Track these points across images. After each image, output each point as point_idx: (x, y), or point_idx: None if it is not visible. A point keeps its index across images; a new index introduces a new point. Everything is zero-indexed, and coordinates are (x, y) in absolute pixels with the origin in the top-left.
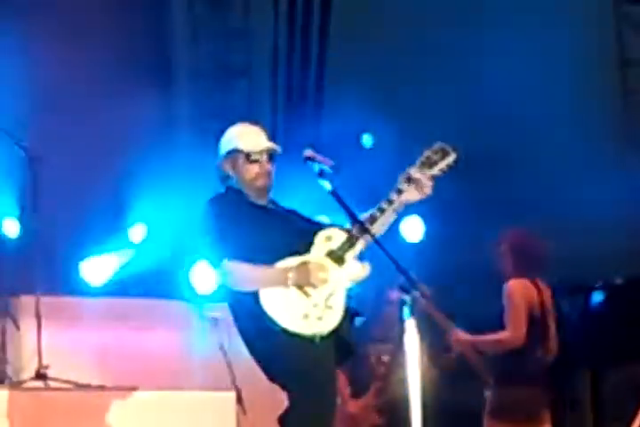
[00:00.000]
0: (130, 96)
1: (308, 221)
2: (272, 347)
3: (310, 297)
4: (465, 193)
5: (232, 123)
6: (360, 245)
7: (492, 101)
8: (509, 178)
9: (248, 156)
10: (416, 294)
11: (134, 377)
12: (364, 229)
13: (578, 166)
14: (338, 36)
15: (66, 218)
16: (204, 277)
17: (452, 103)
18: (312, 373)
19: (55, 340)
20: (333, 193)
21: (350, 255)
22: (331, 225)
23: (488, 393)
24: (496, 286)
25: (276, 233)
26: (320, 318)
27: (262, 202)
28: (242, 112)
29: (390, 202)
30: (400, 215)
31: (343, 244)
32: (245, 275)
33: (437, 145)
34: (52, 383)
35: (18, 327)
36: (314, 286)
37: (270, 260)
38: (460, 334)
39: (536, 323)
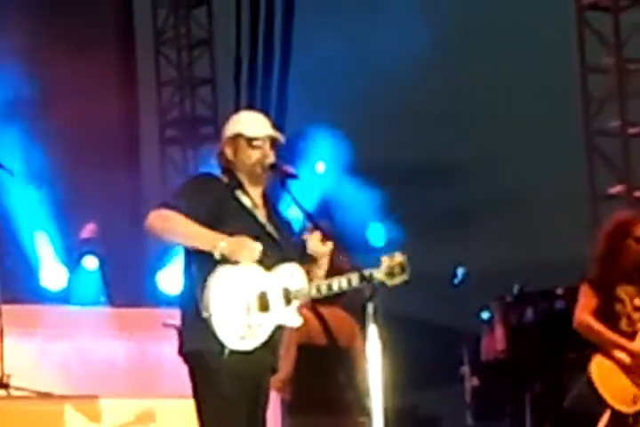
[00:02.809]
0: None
1: (293, 240)
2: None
3: (249, 317)
4: (426, 201)
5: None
6: (306, 298)
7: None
8: (468, 185)
9: (250, 141)
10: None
11: (96, 385)
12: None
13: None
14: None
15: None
16: (173, 281)
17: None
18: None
19: (17, 349)
20: (294, 201)
21: (296, 302)
22: (302, 261)
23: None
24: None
25: (239, 230)
26: (243, 338)
27: (255, 192)
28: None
29: (349, 282)
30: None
31: (300, 290)
32: (178, 223)
33: (397, 257)
34: (14, 392)
35: None
36: (237, 262)
37: None
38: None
39: None
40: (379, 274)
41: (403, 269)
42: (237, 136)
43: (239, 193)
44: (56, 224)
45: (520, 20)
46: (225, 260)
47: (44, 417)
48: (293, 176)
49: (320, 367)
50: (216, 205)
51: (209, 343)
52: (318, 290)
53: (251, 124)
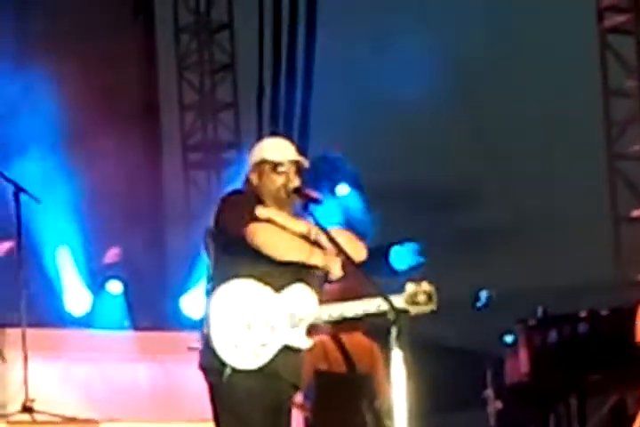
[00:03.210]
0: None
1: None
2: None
3: (251, 336)
4: (447, 224)
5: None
6: (315, 321)
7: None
8: (490, 209)
9: (275, 166)
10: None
11: (121, 410)
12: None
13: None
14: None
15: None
16: (196, 304)
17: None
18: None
19: (42, 373)
20: (318, 224)
21: (305, 325)
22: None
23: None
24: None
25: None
26: (245, 357)
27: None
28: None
29: (364, 304)
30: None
31: (309, 313)
32: (274, 235)
33: (424, 286)
34: (38, 417)
35: (4, 360)
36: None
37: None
38: None
39: None
40: (400, 301)
41: (430, 299)
42: (262, 162)
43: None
44: (80, 249)
45: (542, 43)
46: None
47: None
48: (317, 200)
49: (339, 394)
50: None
51: (212, 360)
52: (330, 312)
53: (275, 149)
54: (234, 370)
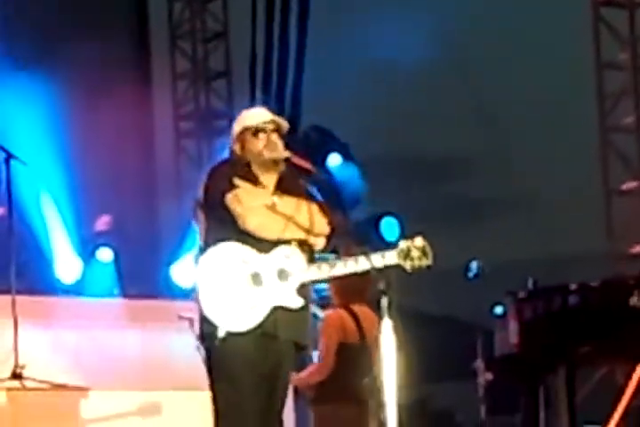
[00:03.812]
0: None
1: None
2: None
3: (239, 298)
4: (441, 195)
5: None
6: (305, 279)
7: None
8: (483, 180)
9: (254, 131)
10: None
11: (111, 377)
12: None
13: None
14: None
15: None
16: (186, 273)
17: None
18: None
19: (31, 340)
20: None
21: (294, 283)
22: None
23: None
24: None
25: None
26: (236, 319)
27: (269, 178)
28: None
29: (355, 262)
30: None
31: (297, 271)
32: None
33: (418, 241)
34: (28, 383)
35: None
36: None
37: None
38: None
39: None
40: (393, 256)
41: (424, 254)
42: (242, 131)
43: (254, 174)
44: (70, 216)
45: (534, 16)
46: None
47: (58, 408)
48: (308, 170)
49: (352, 364)
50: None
51: (207, 325)
52: (320, 269)
53: (251, 116)
54: (228, 333)
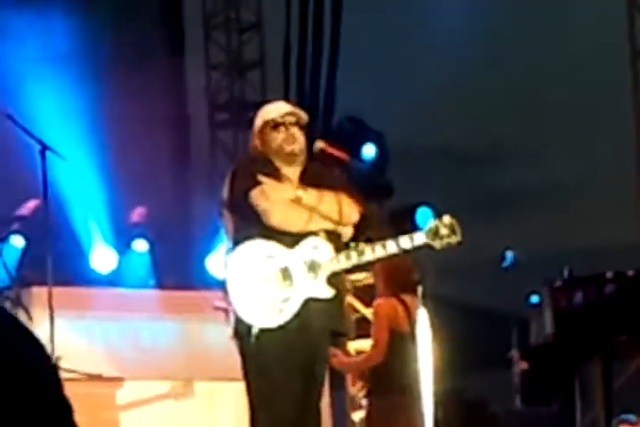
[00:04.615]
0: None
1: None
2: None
3: (269, 293)
4: (476, 185)
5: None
6: (335, 268)
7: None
8: (519, 170)
9: (273, 125)
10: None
11: (146, 368)
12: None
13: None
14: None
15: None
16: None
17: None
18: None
19: (67, 331)
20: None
21: (324, 274)
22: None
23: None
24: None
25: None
26: (266, 316)
27: (292, 171)
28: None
29: (384, 248)
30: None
31: (326, 261)
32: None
33: (446, 219)
34: (64, 374)
35: (30, 318)
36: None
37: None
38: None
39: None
40: (422, 236)
41: (452, 231)
42: (262, 126)
43: (279, 170)
44: (107, 208)
45: (567, 2)
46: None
47: (94, 399)
48: (342, 160)
49: (404, 353)
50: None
51: (240, 323)
52: (348, 257)
53: (270, 110)
54: (260, 330)
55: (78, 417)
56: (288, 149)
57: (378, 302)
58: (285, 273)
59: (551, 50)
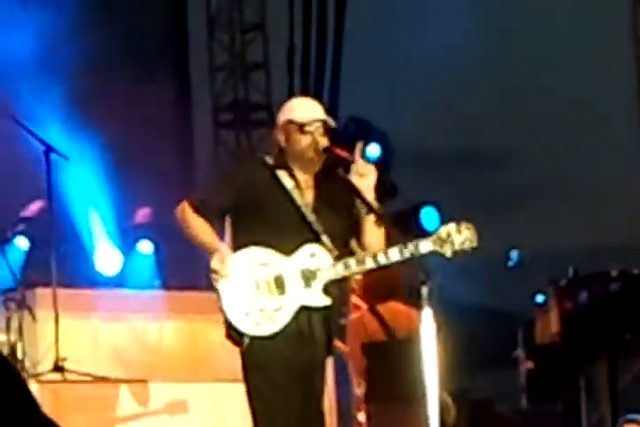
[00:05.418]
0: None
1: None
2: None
3: (261, 302)
4: (479, 184)
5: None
6: (331, 276)
7: None
8: (523, 169)
9: (301, 126)
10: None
11: (151, 369)
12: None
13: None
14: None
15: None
16: None
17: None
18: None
19: (72, 332)
20: (349, 185)
21: (320, 282)
22: (339, 247)
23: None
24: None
25: (275, 216)
26: (257, 324)
27: (305, 176)
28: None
29: (385, 255)
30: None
31: (322, 269)
32: (190, 226)
33: (465, 226)
34: (69, 376)
35: (35, 319)
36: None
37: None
38: None
39: None
40: (426, 244)
41: (470, 237)
42: (288, 123)
43: (282, 174)
44: (110, 209)
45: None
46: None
47: (99, 401)
48: (347, 160)
49: (385, 362)
50: (248, 186)
51: (231, 331)
52: (347, 266)
53: (301, 109)
54: (252, 338)
55: (83, 419)
56: (310, 155)
57: (346, 321)
58: (278, 282)
59: (561, 45)
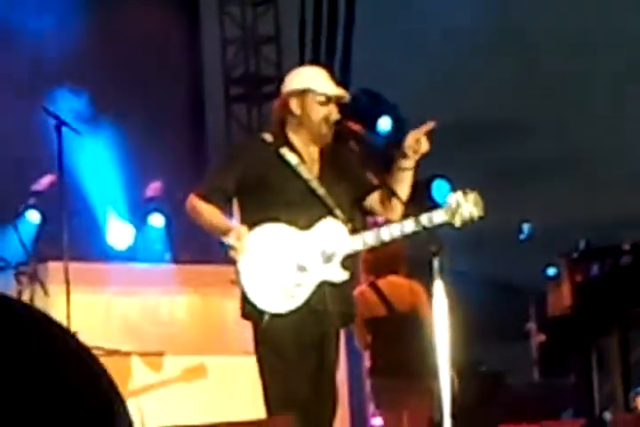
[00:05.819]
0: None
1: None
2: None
3: (282, 278)
4: (493, 157)
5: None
6: (350, 251)
7: None
8: (536, 143)
9: (320, 97)
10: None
11: (163, 343)
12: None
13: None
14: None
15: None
16: None
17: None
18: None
19: (84, 306)
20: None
21: (339, 257)
22: (350, 220)
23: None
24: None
25: (285, 194)
26: (278, 301)
27: (312, 148)
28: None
29: (402, 226)
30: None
31: (341, 244)
32: (200, 214)
33: (469, 193)
34: None
35: (47, 293)
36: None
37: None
38: None
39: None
40: (440, 214)
41: (475, 205)
42: (306, 91)
43: (284, 151)
44: (122, 182)
45: None
46: (268, 219)
47: (110, 374)
48: (358, 133)
49: (388, 336)
50: (252, 167)
51: (251, 308)
52: (364, 238)
53: (321, 80)
54: (272, 315)
55: None
56: (325, 130)
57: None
58: (298, 257)
59: (575, 20)
